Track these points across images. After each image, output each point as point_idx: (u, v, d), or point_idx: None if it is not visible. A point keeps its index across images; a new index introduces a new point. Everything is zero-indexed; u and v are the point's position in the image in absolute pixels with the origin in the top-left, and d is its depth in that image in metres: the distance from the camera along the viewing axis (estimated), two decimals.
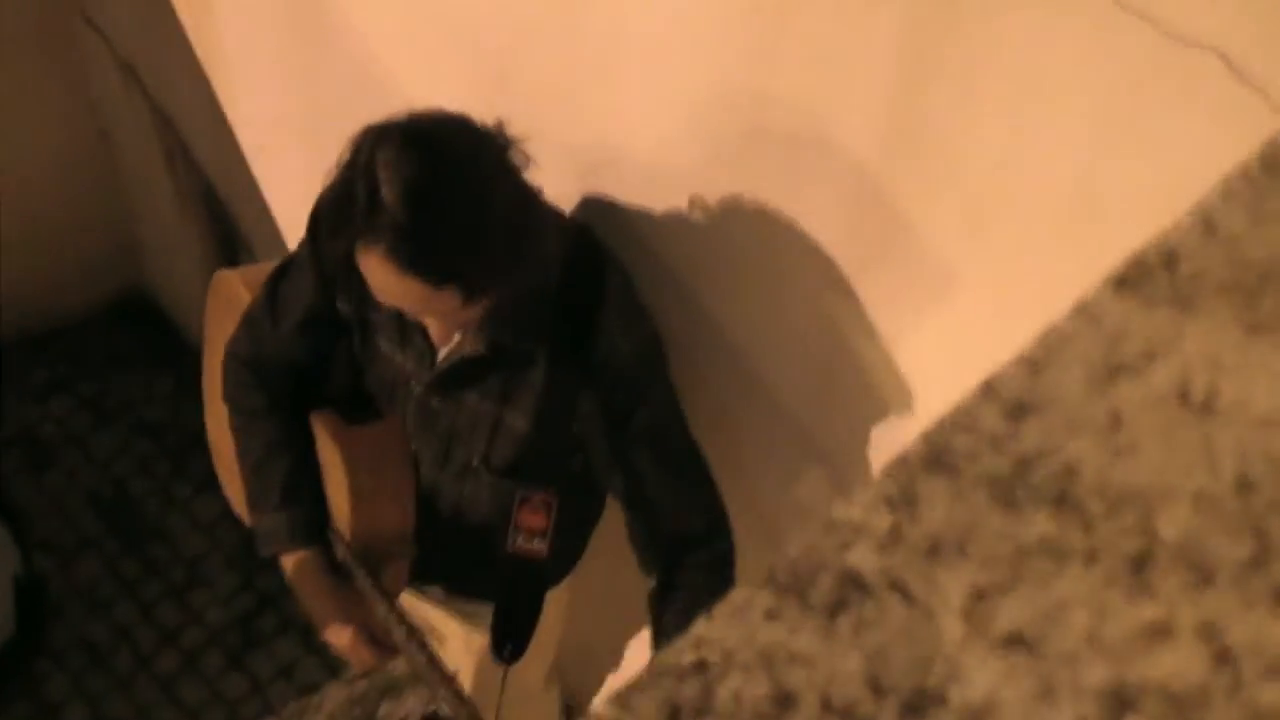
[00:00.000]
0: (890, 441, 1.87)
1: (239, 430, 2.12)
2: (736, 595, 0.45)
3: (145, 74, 3.50)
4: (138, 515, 3.82)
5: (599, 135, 1.96)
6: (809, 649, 0.44)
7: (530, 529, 1.94)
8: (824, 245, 1.76)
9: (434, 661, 1.95)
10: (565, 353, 1.84)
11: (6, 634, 3.38)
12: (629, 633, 2.91)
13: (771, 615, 0.45)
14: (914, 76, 1.54)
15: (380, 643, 2.09)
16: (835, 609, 0.45)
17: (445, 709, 2.83)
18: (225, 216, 3.54)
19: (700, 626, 0.44)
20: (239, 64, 3.02)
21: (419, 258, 1.58)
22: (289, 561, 2.09)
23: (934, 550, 0.47)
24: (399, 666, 2.03)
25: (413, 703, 3.38)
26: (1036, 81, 1.42)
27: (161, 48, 3.26)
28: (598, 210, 2.03)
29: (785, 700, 0.43)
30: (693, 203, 1.91)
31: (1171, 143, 1.32)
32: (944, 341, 1.68)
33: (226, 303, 2.27)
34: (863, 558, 0.46)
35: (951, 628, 0.45)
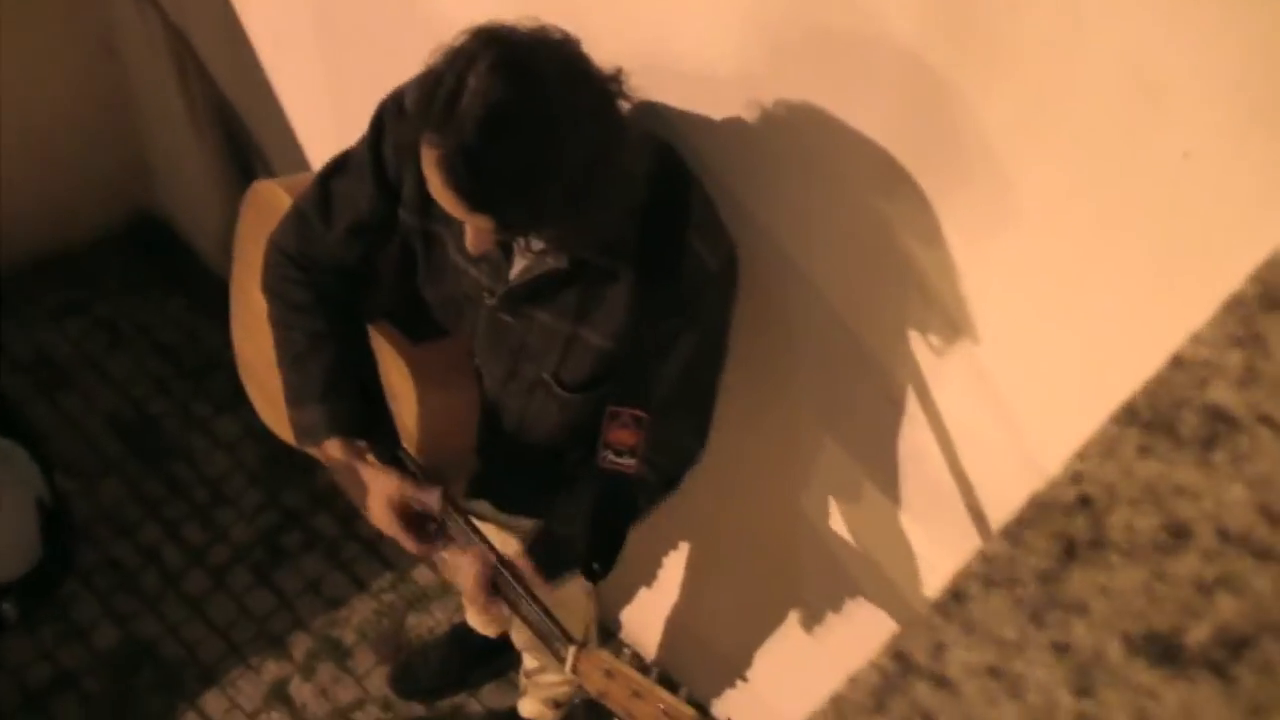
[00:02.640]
0: (942, 349, 1.88)
1: (279, 323, 2.09)
2: (1105, 432, 0.46)
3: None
4: (158, 436, 3.82)
5: (646, 38, 1.94)
6: (1191, 481, 0.45)
7: (620, 445, 1.92)
8: (878, 146, 1.75)
9: (520, 581, 1.94)
10: (654, 271, 1.83)
11: (34, 558, 3.38)
12: (660, 548, 2.94)
13: (1144, 450, 0.46)
14: None
15: (427, 529, 2.06)
16: (1208, 443, 0.46)
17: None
18: (241, 133, 3.50)
19: (1075, 461, 0.45)
20: None
21: (465, 179, 1.59)
22: (329, 449, 2.05)
23: None
24: (444, 571, 2.01)
25: (440, 614, 3.43)
26: None
27: None
28: (663, 122, 2.00)
29: (1179, 530, 0.44)
30: (742, 105, 1.89)
31: (1229, 21, 1.31)
32: (1001, 244, 1.69)
33: (267, 212, 2.25)
34: (1224, 394, 0.47)
35: None
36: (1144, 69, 1.40)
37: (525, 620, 1.93)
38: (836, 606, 2.54)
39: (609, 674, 1.77)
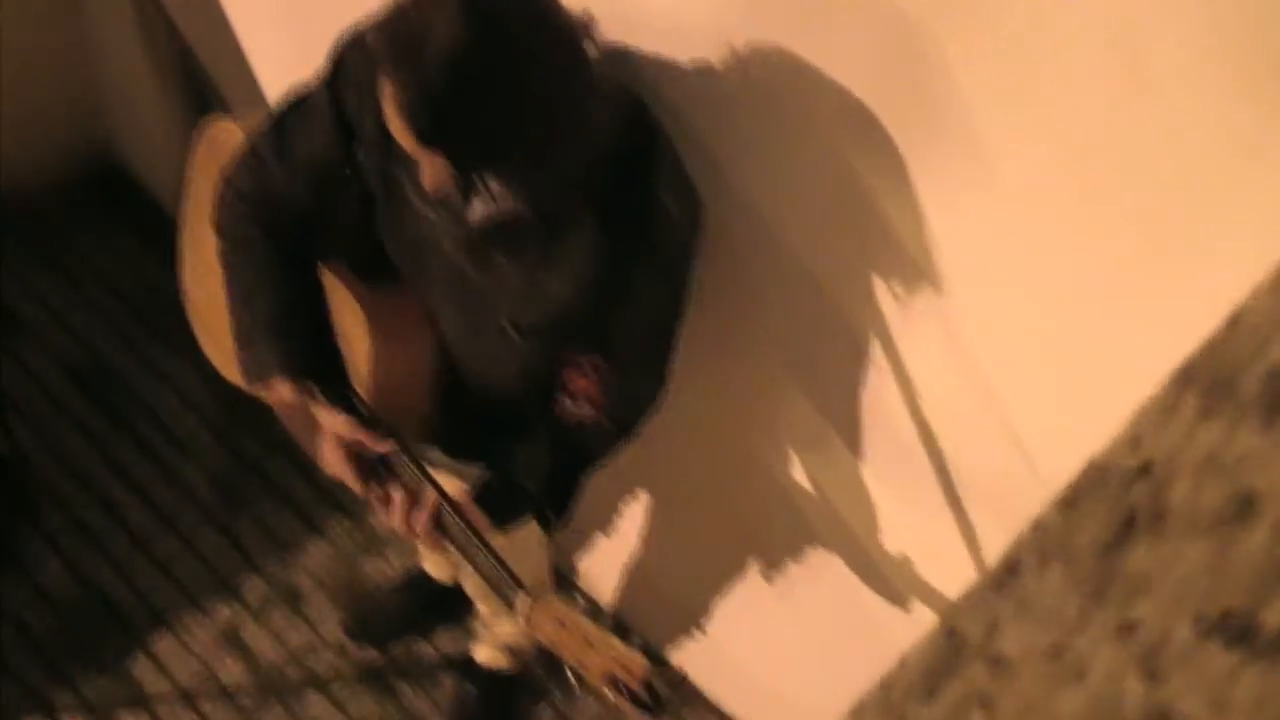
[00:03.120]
0: (911, 305, 1.88)
1: (229, 261, 2.05)
2: (1164, 394, 0.44)
3: None
4: (112, 380, 3.76)
5: None
6: (1257, 448, 0.43)
7: (579, 392, 1.93)
8: (852, 100, 1.74)
9: (473, 529, 1.91)
10: (621, 222, 1.82)
11: None
12: (617, 495, 2.93)
13: (1205, 414, 0.44)
14: None
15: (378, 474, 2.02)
16: (1272, 407, 0.44)
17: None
18: (199, 75, 3.44)
19: (1134, 425, 0.43)
20: None
21: (425, 118, 1.59)
22: (279, 390, 2.01)
23: None
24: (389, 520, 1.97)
25: (395, 560, 3.40)
26: None
27: None
28: (631, 69, 1.98)
29: (1246, 501, 0.42)
30: (713, 57, 1.88)
31: None
32: (974, 203, 1.68)
33: (220, 150, 2.21)
34: None
35: None
36: (1126, 33, 1.39)
37: (476, 567, 1.91)
38: (797, 558, 2.54)
39: (561, 623, 1.76)
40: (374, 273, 2.09)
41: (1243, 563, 0.40)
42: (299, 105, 1.98)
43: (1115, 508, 0.43)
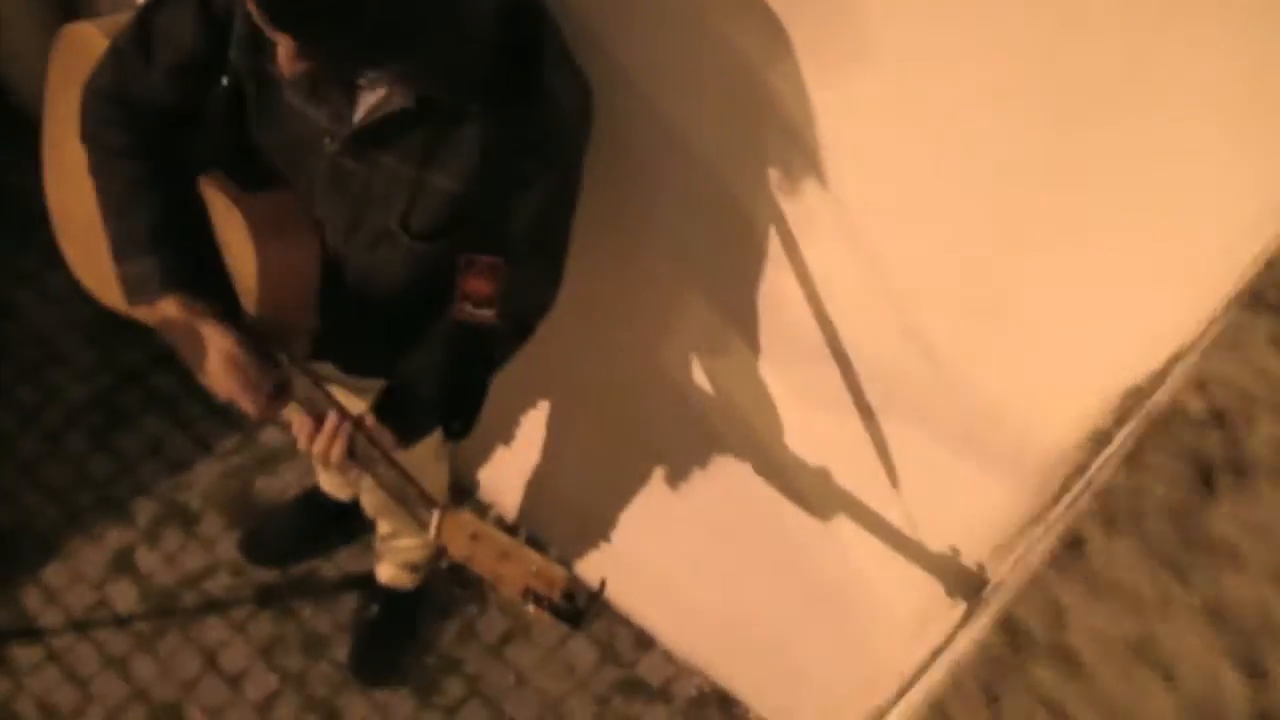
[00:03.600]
0: (803, 192, 1.85)
1: (100, 171, 1.95)
2: (1227, 322, 0.35)
3: None
4: None
5: None
6: None
7: (478, 295, 1.86)
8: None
9: (371, 438, 1.87)
10: (507, 111, 1.75)
11: None
12: (517, 405, 2.84)
13: (1277, 341, 0.35)
14: None
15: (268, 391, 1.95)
16: None
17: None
18: None
19: (1195, 363, 0.34)
20: None
21: (289, 18, 1.52)
22: (164, 308, 1.92)
23: None
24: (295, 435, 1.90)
25: (290, 476, 3.30)
26: None
27: None
28: None
29: None
30: None
31: None
32: (862, 88, 1.66)
33: (80, 57, 2.08)
34: None
35: None
36: None
37: (381, 484, 1.87)
38: (700, 461, 2.53)
39: (474, 537, 1.74)
40: (251, 177, 1.98)
41: None
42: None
43: (1187, 460, 0.34)
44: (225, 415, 3.40)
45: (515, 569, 1.70)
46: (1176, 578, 0.35)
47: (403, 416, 1.94)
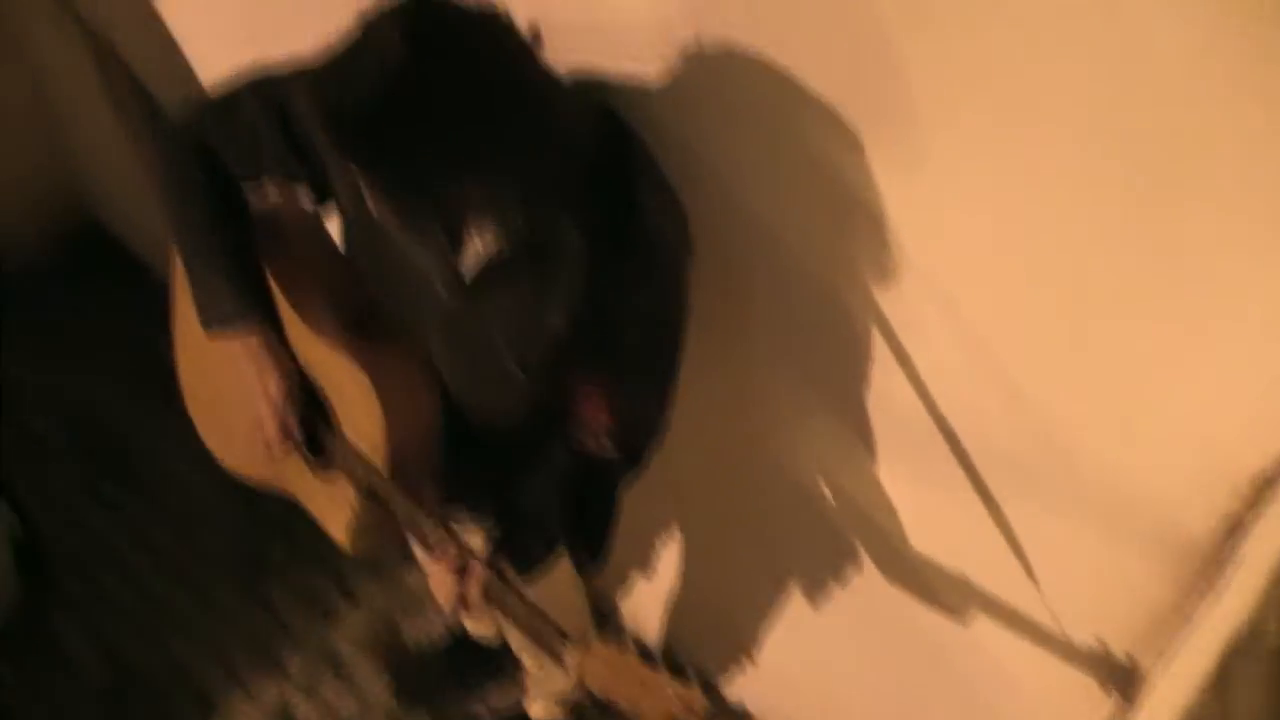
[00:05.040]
0: (904, 287, 1.84)
1: (173, 199, 1.99)
2: None
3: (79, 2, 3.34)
4: (127, 454, 3.72)
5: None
6: None
7: (596, 424, 1.86)
8: (835, 103, 1.70)
9: (508, 583, 1.88)
10: (606, 238, 1.75)
11: (14, 596, 3.32)
12: (659, 531, 2.88)
13: None
14: None
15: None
16: None
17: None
18: None
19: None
20: None
21: (348, 136, 1.51)
22: (234, 338, 1.98)
23: None
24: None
25: (435, 617, 3.33)
26: None
27: None
28: (601, 88, 1.94)
29: None
30: (682, 61, 1.83)
31: None
32: (967, 192, 1.64)
33: None
34: None
35: None
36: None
37: (517, 621, 1.88)
38: (831, 568, 2.48)
39: (613, 668, 1.74)
40: (366, 327, 2.03)
41: None
42: (260, 87, 1.91)
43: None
44: (368, 561, 3.43)
45: (656, 697, 1.68)
46: None
47: (523, 550, 1.96)
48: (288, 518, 3.41)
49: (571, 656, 1.77)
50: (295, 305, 2.04)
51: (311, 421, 2.04)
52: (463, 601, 1.87)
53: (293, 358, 2.01)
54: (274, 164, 1.92)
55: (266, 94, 1.88)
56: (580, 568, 2.12)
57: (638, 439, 1.95)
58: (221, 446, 2.36)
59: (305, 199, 2.01)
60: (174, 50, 3.03)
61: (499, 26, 1.55)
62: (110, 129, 3.61)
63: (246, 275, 1.98)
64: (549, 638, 1.81)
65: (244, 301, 1.96)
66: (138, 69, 3.30)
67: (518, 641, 2.79)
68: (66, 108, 3.87)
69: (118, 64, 3.31)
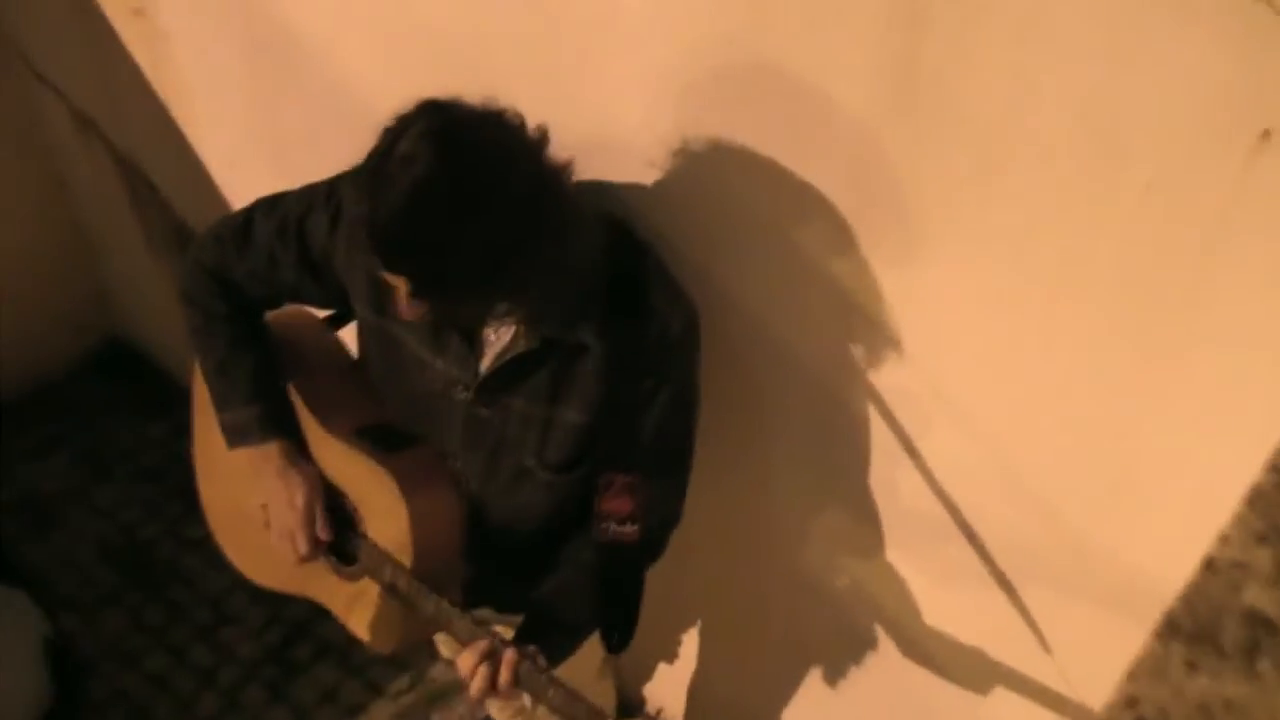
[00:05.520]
0: (913, 396, 1.90)
1: (199, 331, 2.10)
2: (1151, 649, 0.45)
3: (103, 121, 3.44)
4: (153, 561, 3.79)
5: (585, 118, 1.94)
6: (1240, 695, 0.43)
7: (619, 513, 1.92)
8: (833, 209, 1.77)
9: (543, 669, 1.89)
10: (620, 336, 1.82)
11: (47, 700, 3.33)
12: (680, 620, 2.92)
13: (1192, 667, 0.44)
14: (909, 29, 1.54)
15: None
16: (1251, 650, 0.44)
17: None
18: None
19: (1128, 685, 0.44)
20: (200, 94, 2.99)
21: (383, 241, 1.60)
22: (260, 455, 2.07)
23: None
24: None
25: (463, 709, 3.38)
26: (1034, 18, 1.42)
27: (118, 93, 3.22)
28: (607, 197, 2.01)
29: None
30: (693, 178, 1.91)
31: (1177, 62, 1.32)
32: (963, 291, 1.70)
33: None
34: (1259, 596, 0.46)
35: None
36: (1096, 116, 1.40)
37: (551, 708, 1.88)
38: (848, 652, 2.52)
39: None
40: (386, 438, 2.09)
41: None
42: (271, 209, 2.02)
43: None
44: (396, 660, 3.48)
45: None
46: None
47: (549, 639, 1.95)
48: (311, 618, 3.52)
49: None
50: (317, 416, 2.11)
51: (337, 527, 2.10)
52: (493, 687, 1.86)
53: (316, 468, 2.09)
54: (292, 286, 2.03)
55: (281, 218, 1.98)
56: (609, 648, 2.18)
57: (657, 523, 2.00)
58: (246, 561, 2.42)
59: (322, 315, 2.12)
60: (201, 173, 3.13)
61: (509, 123, 1.65)
62: (139, 248, 3.71)
63: (269, 393, 2.08)
64: (582, 717, 1.83)
65: (268, 418, 2.06)
66: (167, 192, 3.40)
67: None
68: (99, 227, 3.96)
69: (145, 185, 3.42)
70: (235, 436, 2.08)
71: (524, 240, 1.62)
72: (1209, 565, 0.43)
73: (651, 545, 2.03)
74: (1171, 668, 0.41)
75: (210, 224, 2.12)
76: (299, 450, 2.07)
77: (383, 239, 1.60)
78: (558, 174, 1.68)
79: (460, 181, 1.57)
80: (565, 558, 2.03)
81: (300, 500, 2.04)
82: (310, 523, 2.06)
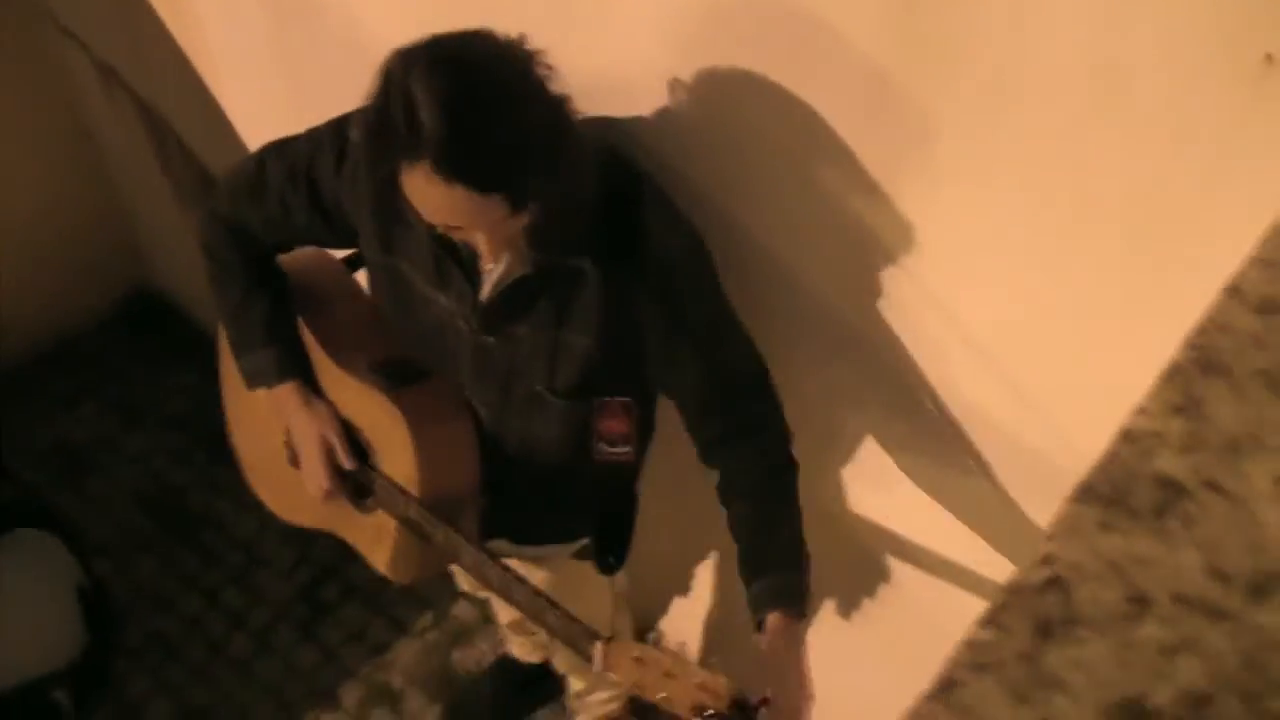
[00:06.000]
0: (921, 320, 1.91)
1: (216, 279, 2.16)
2: (1067, 511, 0.50)
3: (127, 72, 3.48)
4: (184, 507, 3.87)
5: (596, 56, 1.94)
6: (1148, 551, 0.48)
7: (613, 434, 1.97)
8: (842, 136, 1.77)
9: (539, 594, 1.96)
10: (616, 261, 1.84)
11: (81, 644, 3.42)
12: (694, 552, 2.96)
13: (1105, 526, 0.50)
14: None
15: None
16: (1160, 511, 0.50)
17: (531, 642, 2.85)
18: None
19: (1044, 543, 0.49)
20: (223, 48, 3.01)
21: (464, 165, 1.59)
22: (278, 395, 2.15)
23: (1233, 447, 0.52)
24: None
25: (484, 646, 3.46)
26: None
27: (141, 44, 3.24)
28: (608, 129, 2.02)
29: (1140, 599, 0.48)
30: (703, 112, 1.92)
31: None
32: (972, 219, 1.70)
33: None
34: (1170, 462, 0.51)
35: (1272, 514, 0.50)
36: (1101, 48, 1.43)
37: (551, 630, 1.95)
38: (871, 593, 2.55)
39: (639, 661, 1.76)
40: (400, 374, 2.14)
41: (1138, 654, 0.46)
42: (281, 152, 2.04)
43: (1032, 618, 0.49)
44: (418, 595, 3.56)
45: (683, 687, 1.70)
46: (1022, 703, 0.47)
47: (790, 590, 1.96)
48: (339, 559, 3.60)
49: (598, 653, 1.80)
50: (333, 354, 2.17)
51: (354, 462, 2.16)
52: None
53: (332, 405, 2.15)
54: (305, 229, 2.06)
55: (291, 163, 2.01)
56: (603, 569, 2.22)
57: (775, 442, 1.99)
58: (272, 497, 2.49)
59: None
60: (224, 123, 3.18)
61: (510, 44, 1.66)
62: (165, 198, 3.76)
63: (284, 336, 2.15)
64: (579, 639, 1.86)
65: (283, 360, 2.13)
66: (192, 143, 3.46)
67: (564, 662, 2.89)
68: (125, 178, 4.01)
69: (170, 136, 3.47)
70: (253, 379, 2.17)
71: (557, 127, 1.66)
72: (1126, 435, 0.47)
73: (784, 461, 2.01)
74: (1085, 527, 0.45)
75: (225, 172, 2.17)
76: (312, 387, 2.15)
77: (464, 169, 1.59)
78: (563, 101, 1.70)
79: (489, 86, 1.60)
80: (573, 481, 2.10)
81: (318, 435, 2.13)
82: (328, 456, 2.13)
